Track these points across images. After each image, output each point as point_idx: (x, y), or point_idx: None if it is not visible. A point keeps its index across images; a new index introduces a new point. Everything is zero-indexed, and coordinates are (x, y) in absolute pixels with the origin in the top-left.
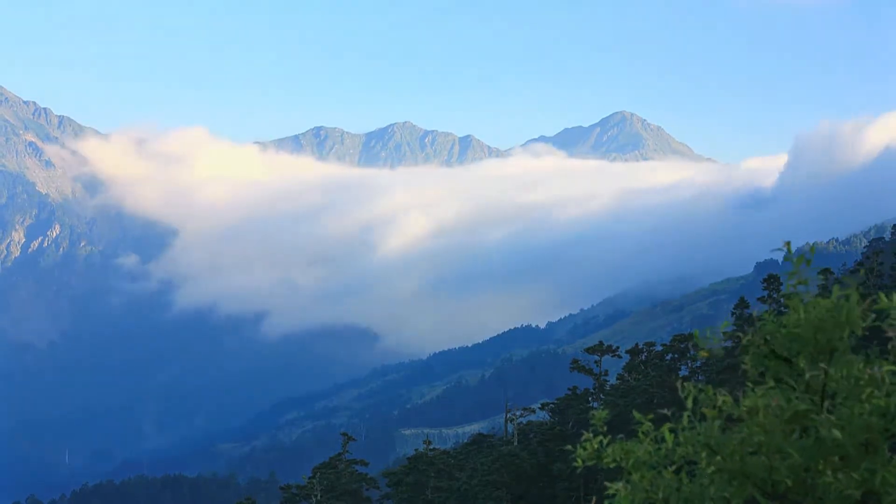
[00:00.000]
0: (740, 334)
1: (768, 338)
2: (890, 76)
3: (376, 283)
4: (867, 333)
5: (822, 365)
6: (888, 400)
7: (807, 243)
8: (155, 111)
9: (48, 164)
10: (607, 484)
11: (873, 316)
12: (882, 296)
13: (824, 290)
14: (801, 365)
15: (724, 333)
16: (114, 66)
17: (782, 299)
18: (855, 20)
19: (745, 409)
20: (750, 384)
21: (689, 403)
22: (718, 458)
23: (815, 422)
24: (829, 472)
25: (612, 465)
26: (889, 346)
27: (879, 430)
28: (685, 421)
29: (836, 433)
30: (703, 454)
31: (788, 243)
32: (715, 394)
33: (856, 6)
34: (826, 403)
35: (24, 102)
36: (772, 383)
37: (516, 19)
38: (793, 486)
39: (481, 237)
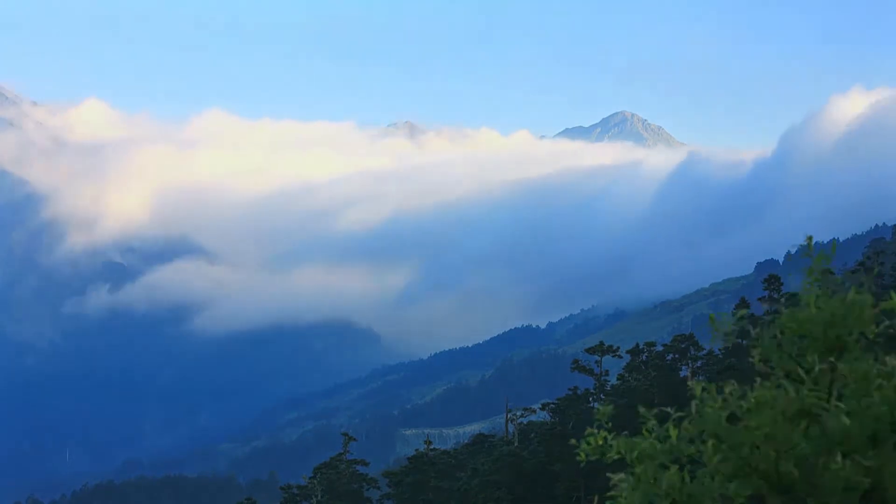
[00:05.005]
0: (749, 329)
1: (778, 333)
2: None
3: (376, 282)
4: (877, 335)
5: (831, 359)
6: None
7: (833, 239)
8: (155, 107)
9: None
10: (610, 475)
11: (886, 322)
12: (894, 295)
13: (826, 291)
14: (810, 360)
15: (726, 334)
16: (128, 67)
17: (783, 300)
18: (853, 21)
19: (752, 401)
20: (758, 377)
21: (697, 392)
22: (724, 445)
23: (822, 415)
24: (837, 460)
25: (616, 457)
26: None
27: (887, 421)
28: (693, 412)
29: (845, 419)
30: (710, 443)
31: (810, 238)
32: (721, 387)
33: (851, 8)
34: (833, 400)
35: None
36: (780, 378)
37: (517, 19)
38: (799, 478)
39: (482, 236)
